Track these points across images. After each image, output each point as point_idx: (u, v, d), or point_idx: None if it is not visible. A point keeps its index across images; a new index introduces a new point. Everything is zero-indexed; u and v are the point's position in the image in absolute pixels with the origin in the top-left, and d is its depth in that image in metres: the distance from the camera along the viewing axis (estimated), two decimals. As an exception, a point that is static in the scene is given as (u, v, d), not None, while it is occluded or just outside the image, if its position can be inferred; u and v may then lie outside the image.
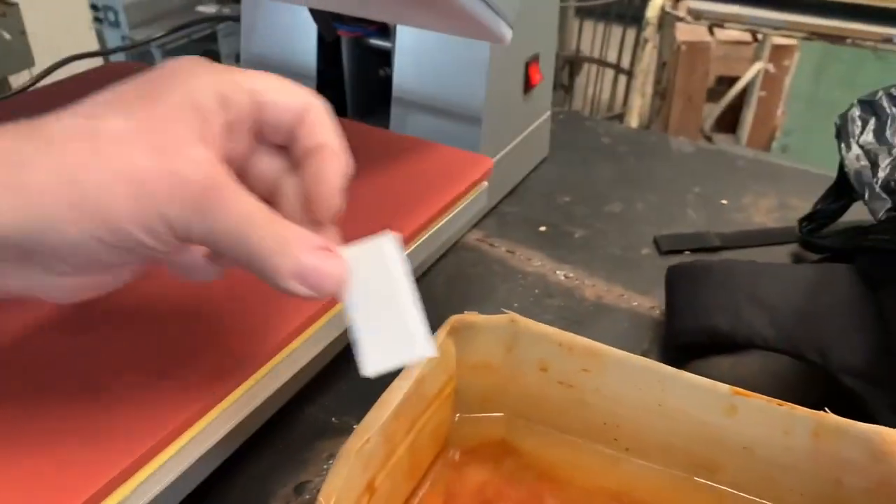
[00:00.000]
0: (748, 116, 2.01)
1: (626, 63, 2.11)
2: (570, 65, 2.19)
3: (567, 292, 0.54)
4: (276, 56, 0.62)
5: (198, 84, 0.27)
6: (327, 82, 0.62)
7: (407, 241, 0.40)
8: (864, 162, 0.45)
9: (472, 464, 0.40)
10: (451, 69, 0.55)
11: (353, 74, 0.62)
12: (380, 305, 0.29)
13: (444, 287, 0.54)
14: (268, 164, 0.30)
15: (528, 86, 0.60)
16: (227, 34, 1.18)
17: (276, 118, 0.29)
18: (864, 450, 0.33)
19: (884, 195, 0.41)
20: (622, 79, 2.18)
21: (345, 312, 0.29)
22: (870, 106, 0.48)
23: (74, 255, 0.26)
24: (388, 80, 0.58)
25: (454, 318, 0.37)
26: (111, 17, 1.20)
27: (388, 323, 0.29)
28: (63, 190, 0.25)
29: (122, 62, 0.72)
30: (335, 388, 0.46)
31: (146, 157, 0.25)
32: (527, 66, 0.60)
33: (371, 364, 0.28)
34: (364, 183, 0.46)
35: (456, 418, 0.41)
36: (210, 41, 1.20)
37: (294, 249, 0.27)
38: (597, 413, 0.39)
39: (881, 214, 0.40)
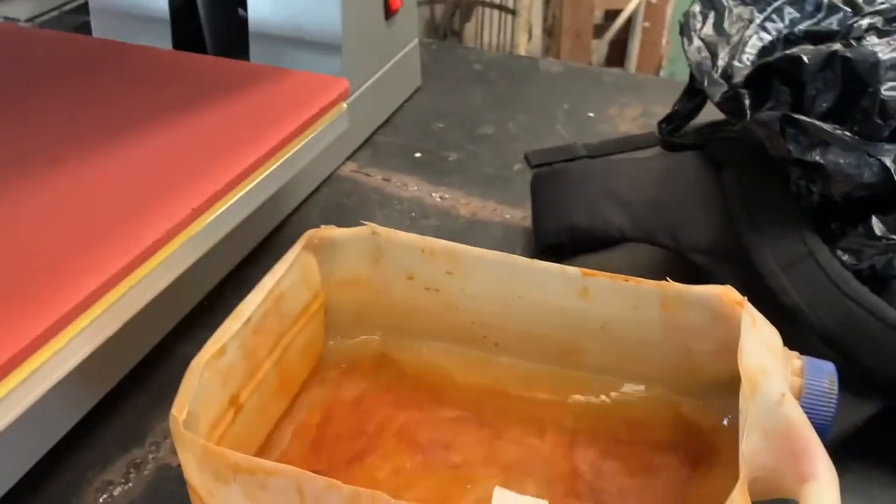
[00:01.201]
0: (634, 48, 2.06)
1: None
2: (458, 10, 2.18)
3: (443, 212, 0.55)
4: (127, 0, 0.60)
5: None
6: (184, 26, 0.61)
7: (260, 165, 0.40)
8: (705, 53, 0.47)
9: (349, 378, 0.41)
10: (305, -1, 0.54)
11: (210, 15, 0.60)
12: None
13: (319, 219, 0.54)
14: None
15: (388, 12, 0.60)
16: None
17: None
18: (706, 314, 0.35)
19: (721, 81, 0.43)
20: (510, 20, 2.19)
21: None
22: (709, 1, 0.50)
23: None
24: (246, 21, 0.57)
25: (310, 233, 0.37)
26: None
27: None
28: None
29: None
30: (214, 325, 0.45)
31: None
32: (385, -9, 0.59)
33: None
34: (215, 112, 0.45)
35: (329, 338, 0.41)
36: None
37: None
38: (464, 314, 0.40)
39: (717, 98, 0.42)
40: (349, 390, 0.40)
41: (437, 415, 0.39)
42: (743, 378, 0.29)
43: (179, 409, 0.28)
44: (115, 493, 0.37)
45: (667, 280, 0.35)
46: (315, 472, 0.37)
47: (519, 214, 0.54)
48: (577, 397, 0.39)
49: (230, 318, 0.32)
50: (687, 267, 0.44)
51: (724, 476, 0.34)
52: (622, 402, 0.38)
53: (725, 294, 0.34)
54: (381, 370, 0.41)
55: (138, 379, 0.41)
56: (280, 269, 0.35)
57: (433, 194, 0.56)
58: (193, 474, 0.28)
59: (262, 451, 0.35)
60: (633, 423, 0.38)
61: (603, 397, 0.39)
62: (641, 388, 0.38)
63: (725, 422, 0.36)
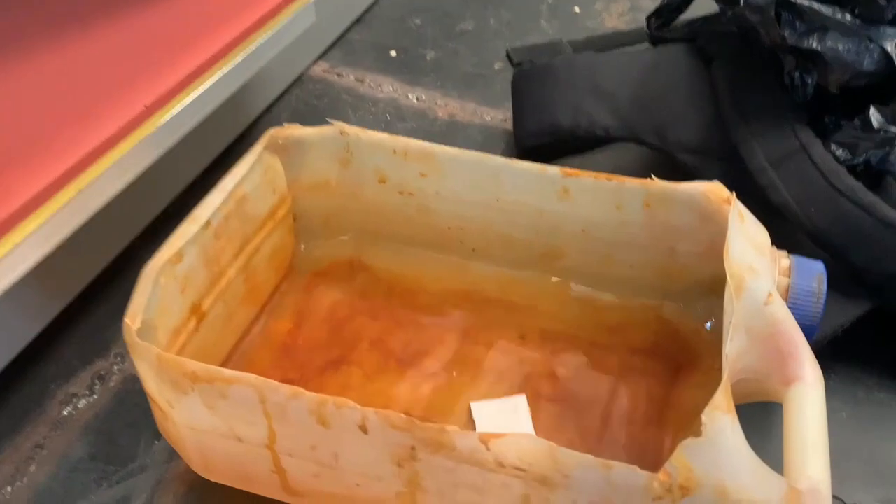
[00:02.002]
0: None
1: None
2: None
3: (420, 114, 0.52)
4: None
5: None
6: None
7: (218, 61, 0.37)
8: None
9: (321, 286, 0.39)
10: None
11: None
12: None
13: (289, 122, 0.51)
14: None
15: None
16: None
17: None
18: (692, 212, 0.33)
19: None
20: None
21: None
22: None
23: None
24: None
25: (273, 131, 0.35)
26: None
27: None
28: None
29: None
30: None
31: None
32: None
33: None
34: (170, 4, 0.42)
35: (301, 243, 0.39)
36: None
37: None
38: (440, 218, 0.38)
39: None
40: (322, 297, 0.39)
41: (413, 322, 0.37)
42: (728, 276, 0.27)
43: (132, 317, 0.27)
44: (80, 405, 0.35)
45: (651, 178, 0.33)
46: (286, 381, 0.36)
47: (500, 116, 0.51)
48: (557, 301, 0.37)
49: (186, 221, 0.30)
50: (674, 167, 0.42)
51: (705, 382, 0.33)
52: (603, 307, 0.37)
53: (713, 191, 0.32)
54: (354, 277, 0.39)
55: (101, 289, 0.40)
56: (241, 169, 0.33)
57: (409, 95, 0.53)
58: (151, 384, 0.27)
59: (229, 360, 0.34)
60: (613, 328, 0.36)
61: (583, 302, 0.37)
62: (623, 291, 0.37)
63: (708, 326, 0.35)
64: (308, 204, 0.38)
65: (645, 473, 0.22)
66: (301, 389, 0.25)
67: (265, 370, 0.35)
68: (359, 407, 0.24)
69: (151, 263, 0.28)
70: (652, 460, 0.31)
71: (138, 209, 0.42)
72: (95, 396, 0.36)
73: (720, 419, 0.22)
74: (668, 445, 0.32)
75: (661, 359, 0.35)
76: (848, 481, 0.32)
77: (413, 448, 0.24)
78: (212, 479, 0.30)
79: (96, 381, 0.36)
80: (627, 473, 0.22)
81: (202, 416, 0.27)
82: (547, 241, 0.37)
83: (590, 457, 0.23)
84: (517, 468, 0.23)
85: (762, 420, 0.34)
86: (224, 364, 0.34)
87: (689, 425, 0.32)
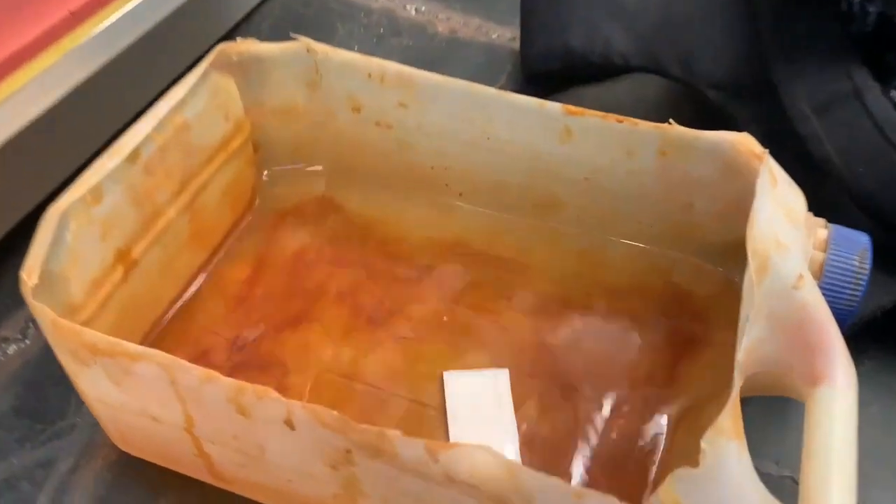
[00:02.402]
0: None
1: None
2: None
3: (418, 28, 0.46)
4: None
5: None
6: None
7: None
8: None
9: (287, 227, 0.34)
10: None
11: None
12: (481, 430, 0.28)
13: (270, 34, 0.45)
14: None
15: None
16: None
17: None
18: (715, 165, 0.28)
19: None
20: None
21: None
22: None
23: None
24: None
25: (224, 47, 0.30)
26: None
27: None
28: None
29: None
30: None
31: None
32: None
33: None
34: None
35: (264, 176, 0.35)
36: None
37: None
38: (422, 156, 0.33)
39: None
40: (286, 241, 0.34)
41: (388, 275, 0.33)
42: (750, 255, 0.22)
43: (29, 272, 0.22)
44: (10, 350, 0.32)
45: (670, 122, 0.28)
46: (238, 338, 0.32)
47: (507, 34, 0.45)
48: (552, 258, 0.33)
49: (104, 155, 0.25)
50: (699, 107, 0.36)
51: (717, 362, 0.28)
52: (604, 266, 0.32)
53: (742, 142, 0.27)
54: (325, 219, 0.35)
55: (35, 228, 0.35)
56: (178, 92, 0.28)
57: (407, 6, 0.47)
58: (54, 349, 0.23)
59: (167, 314, 0.30)
60: (614, 291, 0.32)
61: (582, 260, 0.32)
62: (628, 250, 0.32)
63: (725, 296, 0.30)
64: (271, 132, 0.33)
65: (624, 506, 0.18)
66: (216, 374, 0.20)
67: (213, 324, 0.31)
68: (283, 399, 0.20)
69: (54, 206, 0.23)
70: (648, 455, 0.27)
71: (77, 143, 0.36)
72: (27, 342, 0.32)
73: (724, 447, 0.18)
74: (668, 437, 0.27)
75: (668, 330, 0.31)
76: (875, 489, 0.27)
77: (349, 451, 0.20)
78: (135, 455, 0.26)
79: (30, 325, 0.32)
80: (603, 504, 0.18)
81: (110, 390, 0.23)
82: (544, 188, 0.32)
83: (556, 481, 0.18)
84: (469, 485, 0.19)
85: (777, 409, 0.29)
86: (162, 318, 0.30)
87: (694, 416, 0.27)
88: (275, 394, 0.20)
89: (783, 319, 0.23)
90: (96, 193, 0.25)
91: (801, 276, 0.23)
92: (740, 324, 0.24)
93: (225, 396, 0.20)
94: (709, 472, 0.18)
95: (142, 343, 0.29)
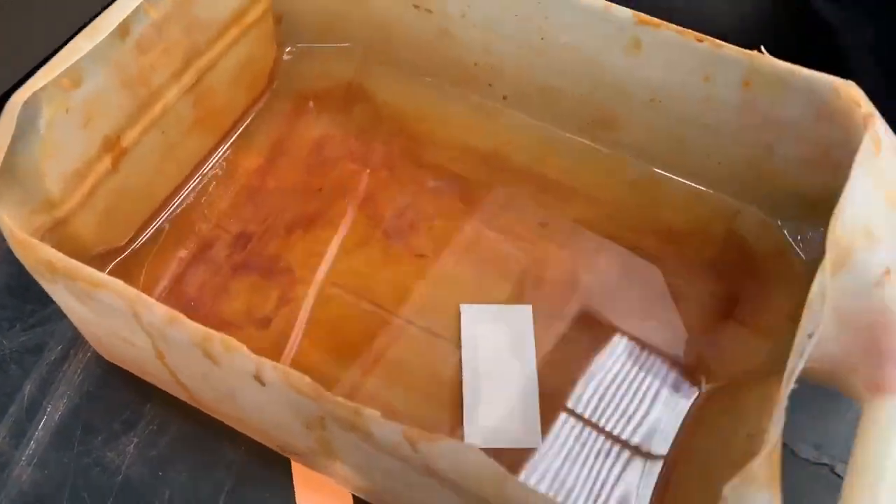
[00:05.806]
0: None
1: None
2: None
3: None
4: None
5: None
6: None
7: None
8: None
9: (307, 114, 0.31)
10: None
11: None
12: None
13: None
14: None
15: None
16: None
17: None
18: (808, 108, 0.23)
19: None
20: None
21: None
22: None
23: None
24: None
25: None
26: None
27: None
28: None
29: None
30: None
31: None
32: None
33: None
34: None
35: (285, 54, 0.31)
36: None
37: None
38: (466, 49, 0.29)
39: None
40: (305, 130, 0.31)
41: (413, 181, 0.29)
42: (829, 244, 0.18)
43: (-6, 158, 0.20)
44: (8, 221, 0.30)
45: (760, 50, 0.23)
46: (244, 234, 0.29)
47: None
48: (601, 185, 0.29)
49: (82, 34, 0.22)
50: (801, 29, 0.30)
51: (769, 332, 0.25)
52: (659, 203, 0.28)
53: (844, 88, 0.22)
54: (351, 107, 0.31)
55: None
56: (180, -43, 0.24)
57: None
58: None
59: (166, 206, 0.27)
60: (668, 232, 0.28)
61: (635, 191, 0.28)
62: (692, 187, 0.28)
63: (787, 259, 0.26)
64: (297, 3, 0.29)
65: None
66: (179, 315, 0.18)
67: (218, 216, 0.28)
68: (252, 356, 0.17)
69: (17, 94, 0.20)
70: (671, 426, 0.24)
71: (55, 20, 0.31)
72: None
73: (752, 500, 0.15)
74: (694, 411, 0.24)
75: (717, 286, 0.27)
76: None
77: (322, 418, 0.18)
78: (118, 364, 0.25)
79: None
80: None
81: (79, 308, 0.20)
82: (602, 103, 0.27)
83: (545, 496, 0.16)
84: (451, 480, 0.17)
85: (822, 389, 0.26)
86: (163, 209, 0.27)
87: (730, 395, 0.24)
88: (243, 349, 0.17)
89: (855, 318, 0.19)
90: (74, 76, 0.21)
91: (888, 272, 0.19)
92: (807, 306, 0.21)
93: (190, 340, 0.18)
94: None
95: (138, 235, 0.27)
